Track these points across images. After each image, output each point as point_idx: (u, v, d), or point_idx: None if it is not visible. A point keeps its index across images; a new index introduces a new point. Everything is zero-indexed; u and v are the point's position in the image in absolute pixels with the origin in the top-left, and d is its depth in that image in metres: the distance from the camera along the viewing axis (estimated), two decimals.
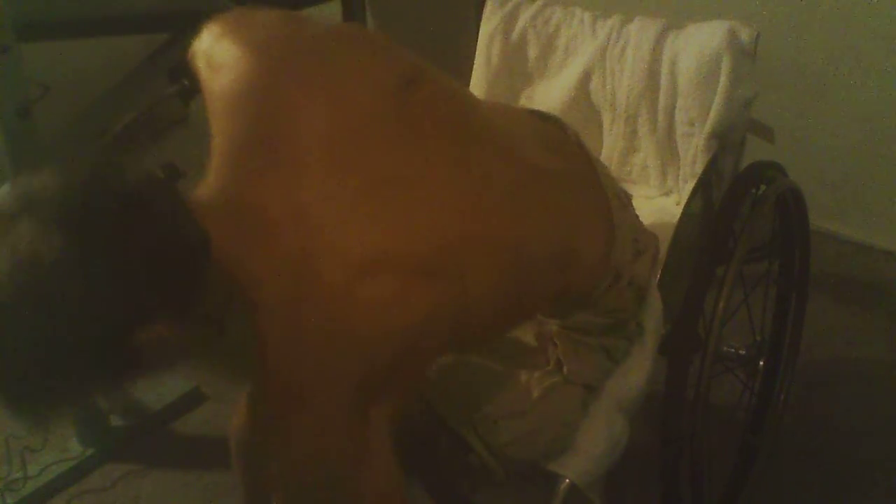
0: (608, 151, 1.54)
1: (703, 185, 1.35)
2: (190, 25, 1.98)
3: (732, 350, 1.34)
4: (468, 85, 1.62)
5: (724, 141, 1.38)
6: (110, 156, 0.82)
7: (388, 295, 0.79)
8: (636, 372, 1.17)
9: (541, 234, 0.96)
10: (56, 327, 0.70)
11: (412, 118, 0.89)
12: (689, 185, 1.36)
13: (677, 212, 1.32)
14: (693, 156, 1.40)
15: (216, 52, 0.93)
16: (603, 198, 1.08)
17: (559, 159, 1.05)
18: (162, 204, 0.77)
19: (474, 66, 1.60)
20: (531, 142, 1.05)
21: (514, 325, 1.06)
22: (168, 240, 0.75)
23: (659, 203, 1.48)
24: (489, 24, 1.57)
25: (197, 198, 0.83)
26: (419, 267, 0.82)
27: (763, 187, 1.34)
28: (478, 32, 1.59)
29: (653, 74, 1.44)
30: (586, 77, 1.51)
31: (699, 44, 1.38)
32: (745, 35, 1.37)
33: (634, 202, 1.51)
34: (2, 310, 0.70)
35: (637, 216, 1.17)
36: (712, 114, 1.36)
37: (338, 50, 0.93)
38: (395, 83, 0.90)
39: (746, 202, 1.30)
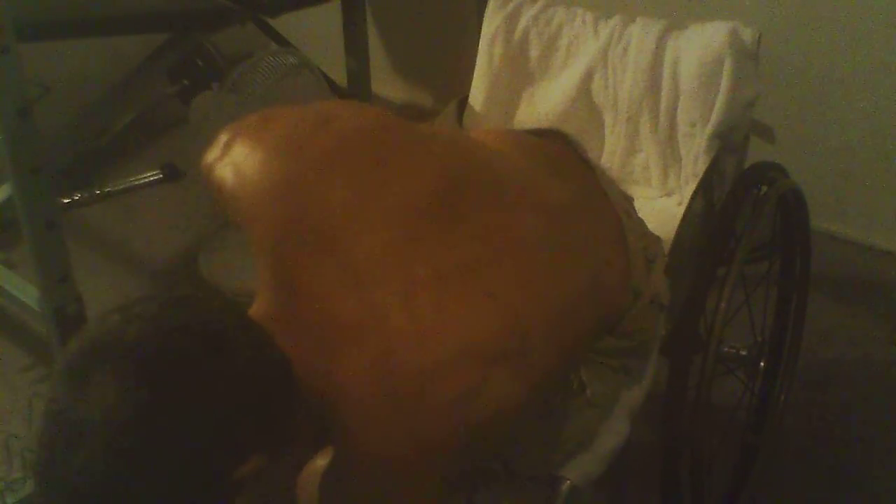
0: (610, 152, 1.54)
1: (705, 186, 1.35)
2: (190, 25, 1.99)
3: (734, 351, 1.34)
4: (467, 86, 1.62)
5: (726, 141, 1.38)
6: (178, 298, 0.78)
7: (471, 385, 0.78)
8: (643, 378, 1.16)
9: (576, 277, 0.94)
10: (155, 485, 0.68)
11: (455, 204, 0.88)
12: (691, 186, 1.36)
13: (679, 212, 1.32)
14: (695, 156, 1.40)
15: (244, 162, 0.87)
16: (612, 214, 1.07)
17: (569, 184, 1.04)
18: (241, 337, 0.75)
19: (476, 67, 1.60)
20: (544, 175, 1.03)
21: (569, 373, 1.04)
22: (254, 373, 0.74)
23: (661, 204, 1.48)
24: (491, 24, 1.57)
25: (262, 319, 0.80)
26: (491, 356, 0.80)
27: (764, 188, 1.34)
28: (479, 32, 1.59)
29: (655, 75, 1.44)
30: (588, 77, 1.51)
31: (701, 44, 1.38)
32: (747, 36, 1.37)
33: (636, 203, 1.52)
34: (98, 476, 0.67)
35: (641, 220, 1.16)
36: (714, 114, 1.36)
37: (375, 145, 0.90)
38: (440, 183, 0.88)
39: (748, 203, 1.30)
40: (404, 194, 0.85)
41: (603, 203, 1.09)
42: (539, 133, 1.17)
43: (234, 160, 0.87)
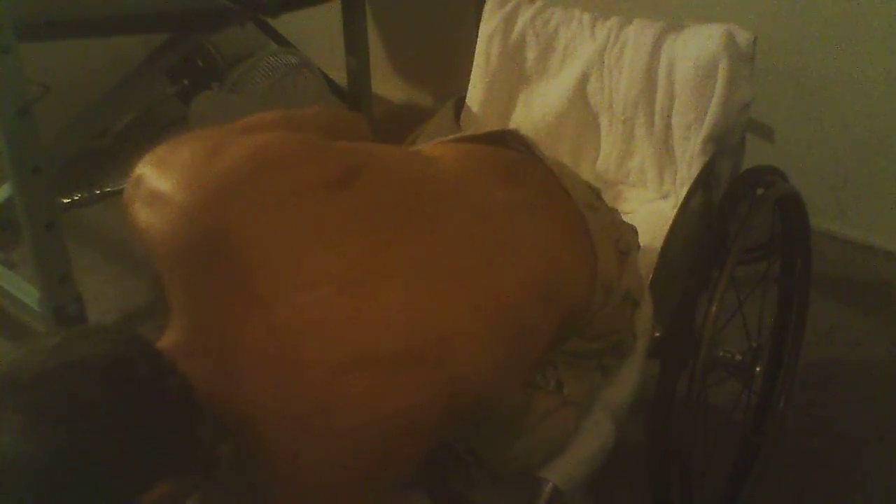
0: (606, 154, 1.54)
1: (700, 188, 1.35)
2: (190, 25, 1.99)
3: (729, 355, 1.33)
4: (467, 86, 1.62)
5: (721, 144, 1.38)
6: (81, 330, 0.82)
7: (370, 389, 0.78)
8: (628, 379, 1.16)
9: (523, 278, 0.92)
10: None
11: (361, 209, 0.86)
12: (686, 189, 1.36)
13: (673, 214, 1.32)
14: (690, 159, 1.40)
15: (148, 197, 0.88)
16: (572, 211, 1.06)
17: (519, 187, 1.03)
18: (141, 367, 0.76)
19: (473, 67, 1.60)
20: (491, 179, 1.02)
21: (524, 374, 1.02)
22: (152, 404, 0.75)
23: (656, 206, 1.48)
24: (488, 24, 1.57)
25: (171, 347, 0.81)
26: (398, 360, 0.79)
27: (761, 191, 1.33)
28: (477, 32, 1.59)
29: (650, 77, 1.44)
30: (584, 79, 1.51)
31: (697, 47, 1.38)
32: (742, 38, 1.37)
33: (632, 205, 1.52)
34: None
35: (612, 210, 1.15)
36: (709, 117, 1.36)
37: (266, 162, 0.88)
38: (331, 179, 0.87)
39: (743, 205, 1.30)
40: (302, 206, 0.85)
41: (560, 201, 1.07)
42: (496, 138, 1.15)
43: (140, 195, 0.88)
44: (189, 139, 0.92)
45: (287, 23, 2.19)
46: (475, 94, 1.60)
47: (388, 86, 2.75)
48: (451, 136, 1.18)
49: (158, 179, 0.87)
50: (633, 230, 1.17)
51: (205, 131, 0.93)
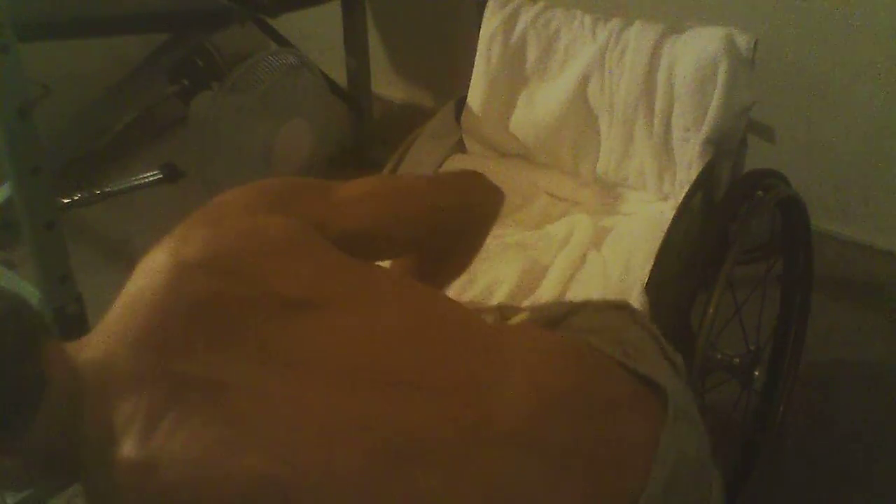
0: (606, 155, 1.54)
1: (699, 190, 1.35)
2: (190, 25, 1.99)
3: (726, 358, 1.33)
4: (467, 86, 1.62)
5: (720, 147, 1.38)
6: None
7: None
8: None
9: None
10: None
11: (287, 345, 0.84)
12: (685, 191, 1.36)
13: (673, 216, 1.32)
14: (689, 162, 1.40)
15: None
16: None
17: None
18: (13, 339, 0.80)
19: (474, 67, 1.60)
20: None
21: None
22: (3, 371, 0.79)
23: (656, 208, 1.48)
24: (489, 25, 1.57)
25: (73, 349, 0.84)
26: None
27: (760, 193, 1.33)
28: (478, 33, 1.59)
29: (650, 79, 1.44)
30: (585, 80, 1.51)
31: (697, 49, 1.38)
32: (743, 42, 1.37)
33: (632, 206, 1.52)
34: None
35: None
36: (708, 120, 1.36)
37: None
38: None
39: (743, 207, 1.30)
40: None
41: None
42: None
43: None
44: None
45: (287, 23, 2.19)
46: (476, 95, 1.60)
47: (388, 86, 2.75)
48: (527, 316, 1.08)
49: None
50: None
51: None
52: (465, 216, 1.04)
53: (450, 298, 0.96)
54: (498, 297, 1.28)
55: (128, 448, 0.77)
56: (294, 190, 0.98)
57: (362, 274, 0.91)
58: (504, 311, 1.09)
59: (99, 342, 0.83)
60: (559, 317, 1.00)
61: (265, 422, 0.78)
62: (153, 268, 0.86)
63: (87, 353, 0.83)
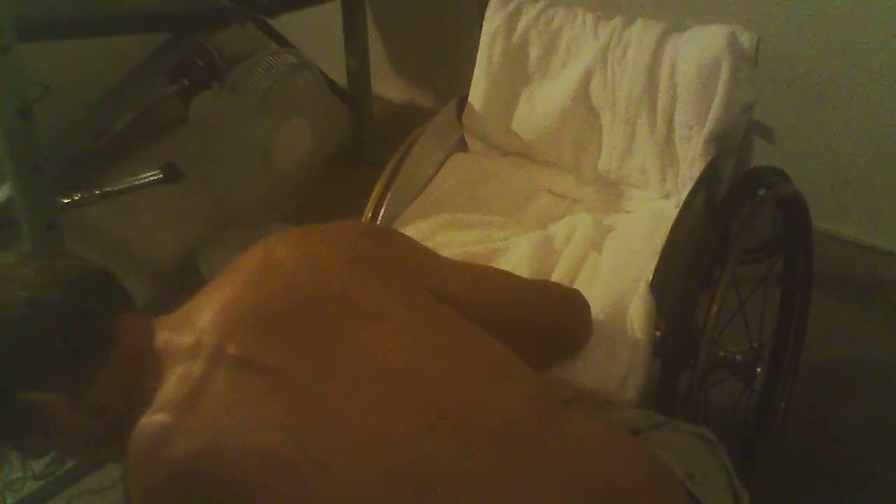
0: (608, 153, 1.54)
1: (702, 188, 1.35)
2: (190, 25, 1.99)
3: (729, 355, 1.33)
4: (467, 85, 1.62)
5: (723, 145, 1.38)
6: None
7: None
8: (633, 378, 1.16)
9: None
10: None
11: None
12: (688, 189, 1.36)
13: (675, 214, 1.32)
14: (691, 159, 1.40)
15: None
16: None
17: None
18: (91, 299, 0.90)
19: (476, 66, 1.60)
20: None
21: None
22: (77, 323, 0.88)
23: (658, 206, 1.48)
24: (491, 23, 1.57)
25: (150, 322, 0.93)
26: None
27: (763, 191, 1.33)
28: (480, 32, 1.59)
29: (653, 77, 1.44)
30: (587, 78, 1.51)
31: (699, 48, 1.38)
32: (745, 40, 1.37)
33: (634, 204, 1.52)
34: None
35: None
36: (710, 118, 1.36)
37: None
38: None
39: (745, 205, 1.30)
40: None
41: None
42: None
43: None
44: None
45: (287, 23, 2.19)
46: (477, 93, 1.60)
47: (388, 86, 2.75)
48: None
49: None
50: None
51: None
52: (553, 334, 1.12)
53: (521, 362, 0.97)
54: None
55: (168, 410, 0.84)
56: (409, 244, 1.06)
57: (440, 311, 0.96)
58: (584, 396, 1.10)
59: (174, 319, 0.92)
60: (641, 427, 1.02)
61: (300, 413, 0.84)
62: (244, 259, 0.97)
63: (161, 327, 0.91)
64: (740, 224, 1.27)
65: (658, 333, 1.20)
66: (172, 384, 0.86)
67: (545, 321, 1.10)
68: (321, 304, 0.91)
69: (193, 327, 0.89)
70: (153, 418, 0.84)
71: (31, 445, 0.93)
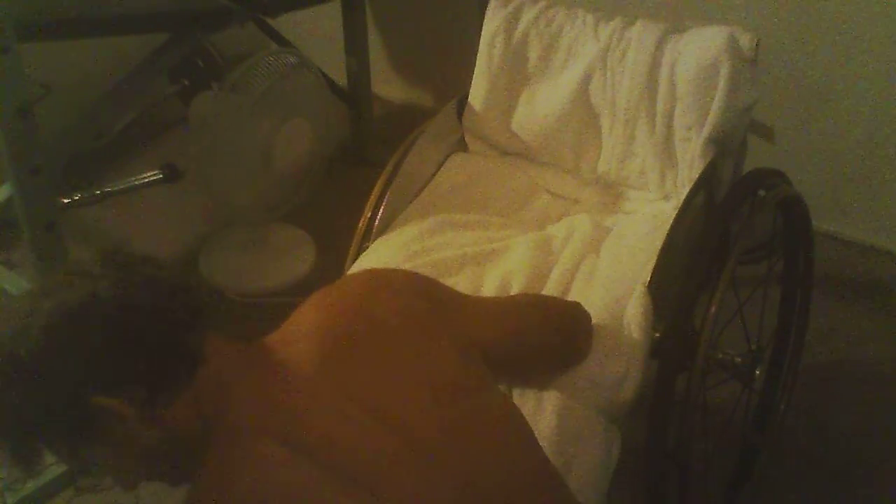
0: (607, 154, 1.54)
1: (701, 190, 1.35)
2: (190, 25, 1.99)
3: (728, 358, 1.33)
4: (467, 86, 1.62)
5: (722, 146, 1.38)
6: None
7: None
8: (630, 380, 1.16)
9: None
10: (40, 379, 0.79)
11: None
12: (687, 190, 1.36)
13: (674, 215, 1.32)
14: (691, 161, 1.40)
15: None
16: None
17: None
18: (181, 310, 0.86)
19: (476, 66, 1.60)
20: None
21: None
22: (168, 334, 0.84)
23: (658, 207, 1.48)
24: (491, 23, 1.57)
25: (236, 345, 0.90)
26: None
27: (763, 192, 1.33)
28: (480, 32, 1.59)
29: (652, 78, 1.44)
30: (587, 79, 1.51)
31: (699, 49, 1.38)
32: (745, 41, 1.37)
33: (633, 206, 1.52)
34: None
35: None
36: (710, 119, 1.36)
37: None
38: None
39: (745, 206, 1.30)
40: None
41: None
42: None
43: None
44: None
45: (287, 23, 2.19)
46: (477, 93, 1.60)
47: (388, 86, 2.75)
48: None
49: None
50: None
51: None
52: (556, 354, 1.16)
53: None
54: None
55: (244, 442, 0.82)
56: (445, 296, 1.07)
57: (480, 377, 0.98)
58: None
59: (258, 349, 0.90)
60: None
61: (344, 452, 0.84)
62: (311, 302, 0.97)
63: (247, 353, 0.89)
64: (739, 225, 1.27)
65: (656, 335, 1.20)
66: (247, 414, 0.84)
67: (548, 345, 1.14)
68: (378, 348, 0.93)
69: (273, 361, 0.88)
70: (229, 450, 0.82)
71: (82, 452, 0.86)
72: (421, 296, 1.01)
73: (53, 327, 0.80)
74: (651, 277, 1.23)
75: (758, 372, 1.36)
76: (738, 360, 1.33)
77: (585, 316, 1.18)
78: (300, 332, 0.93)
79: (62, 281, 0.83)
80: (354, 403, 0.87)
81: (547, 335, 1.13)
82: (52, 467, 1.69)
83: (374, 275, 1.09)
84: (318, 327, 0.93)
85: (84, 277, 0.83)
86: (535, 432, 1.01)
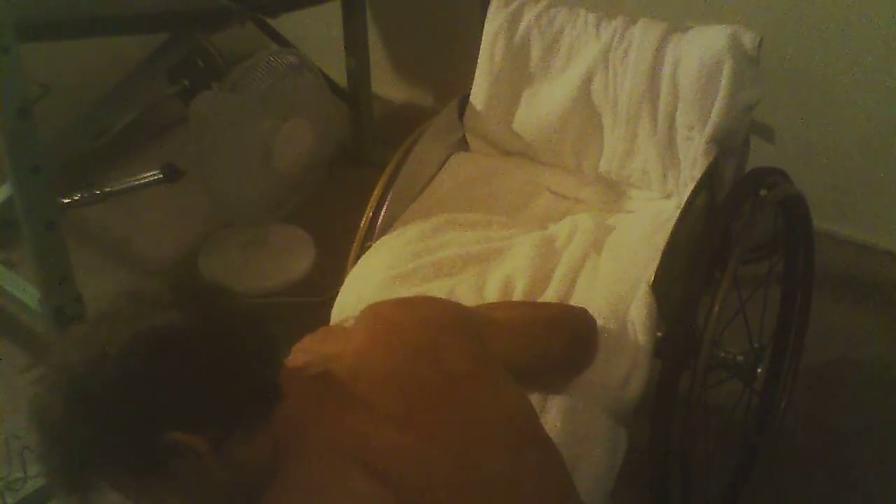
0: (609, 153, 1.54)
1: (703, 189, 1.35)
2: (190, 25, 1.99)
3: (730, 356, 1.33)
4: (467, 85, 1.62)
5: (725, 145, 1.38)
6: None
7: None
8: (634, 378, 1.16)
9: None
10: (114, 408, 0.77)
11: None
12: (689, 189, 1.36)
13: (677, 215, 1.32)
14: (693, 159, 1.40)
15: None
16: None
17: None
18: (255, 342, 0.82)
19: (477, 66, 1.60)
20: None
21: None
22: (245, 366, 0.81)
23: (659, 206, 1.48)
24: (493, 23, 1.57)
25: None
26: None
27: (764, 192, 1.33)
28: (481, 32, 1.59)
29: (654, 77, 1.44)
30: (589, 78, 1.51)
31: (701, 48, 1.38)
32: (747, 40, 1.37)
33: (635, 204, 1.52)
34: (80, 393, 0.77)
35: None
36: (712, 118, 1.36)
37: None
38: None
39: (747, 205, 1.30)
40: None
41: None
42: None
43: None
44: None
45: (287, 23, 2.19)
46: (479, 93, 1.60)
47: (388, 86, 2.75)
48: None
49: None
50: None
51: None
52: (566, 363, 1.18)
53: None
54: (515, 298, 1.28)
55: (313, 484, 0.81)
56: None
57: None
58: None
59: (330, 383, 0.88)
60: None
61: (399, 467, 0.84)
62: (372, 338, 0.97)
63: (319, 389, 0.87)
64: (742, 225, 1.27)
65: (659, 334, 1.21)
66: (327, 448, 0.83)
67: (565, 361, 1.17)
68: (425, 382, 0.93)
69: (347, 398, 0.87)
70: (307, 478, 0.80)
71: (150, 489, 0.82)
72: (470, 335, 1.01)
73: (131, 359, 0.76)
74: (655, 277, 1.23)
75: (759, 370, 1.36)
76: (740, 358, 1.33)
77: (592, 322, 1.20)
78: (370, 373, 0.91)
79: (132, 310, 0.80)
80: (437, 445, 0.86)
81: (567, 353, 1.16)
82: None
83: (427, 319, 1.04)
84: (392, 371, 0.92)
85: (155, 307, 0.80)
86: None
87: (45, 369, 0.79)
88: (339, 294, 1.32)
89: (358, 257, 1.37)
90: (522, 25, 1.55)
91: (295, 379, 0.85)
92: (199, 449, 0.77)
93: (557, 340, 1.15)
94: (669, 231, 1.28)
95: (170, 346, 0.78)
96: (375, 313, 1.03)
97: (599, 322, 1.20)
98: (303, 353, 0.96)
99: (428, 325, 1.00)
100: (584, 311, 1.21)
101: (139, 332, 0.77)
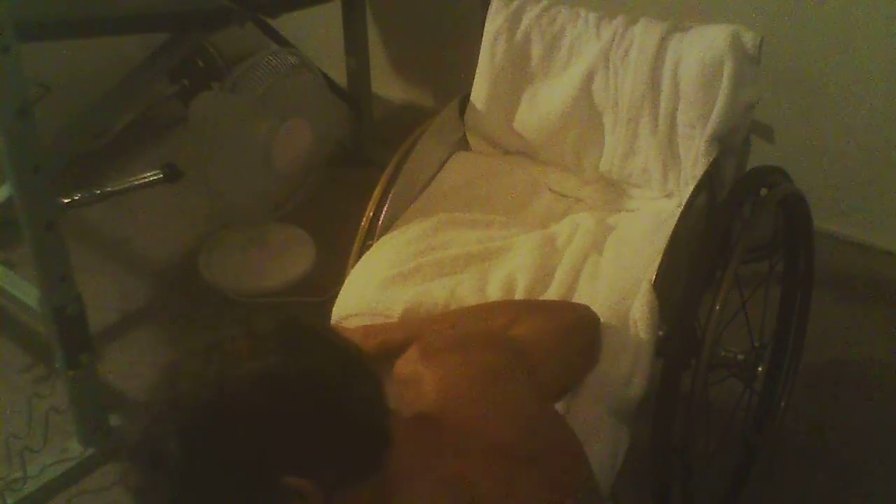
0: (610, 153, 1.54)
1: (704, 188, 1.35)
2: (190, 25, 1.99)
3: (731, 355, 1.33)
4: (467, 85, 1.62)
5: (725, 144, 1.38)
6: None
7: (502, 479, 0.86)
8: (636, 377, 1.16)
9: None
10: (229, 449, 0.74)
11: None
12: (690, 188, 1.36)
13: (678, 214, 1.32)
14: (694, 159, 1.40)
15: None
16: None
17: None
18: (370, 383, 0.82)
19: (478, 65, 1.59)
20: None
21: None
22: (361, 410, 0.80)
23: (660, 205, 1.48)
24: (494, 22, 1.57)
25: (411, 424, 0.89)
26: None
27: (764, 191, 1.34)
28: (481, 32, 1.59)
29: (655, 76, 1.44)
30: (589, 78, 1.51)
31: (702, 47, 1.38)
32: (748, 39, 1.37)
33: (636, 203, 1.52)
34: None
35: None
36: (713, 117, 1.36)
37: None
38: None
39: (747, 205, 1.30)
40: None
41: None
42: None
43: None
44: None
45: (287, 23, 2.19)
46: (480, 92, 1.60)
47: (388, 86, 2.75)
48: None
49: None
50: None
51: None
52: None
53: None
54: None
55: None
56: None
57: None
58: None
59: (432, 429, 0.88)
60: None
61: None
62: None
63: (424, 435, 0.87)
64: (743, 224, 1.27)
65: (660, 333, 1.21)
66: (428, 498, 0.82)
67: (576, 368, 1.17)
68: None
69: (451, 448, 0.87)
70: None
71: None
72: (523, 370, 1.02)
73: (254, 400, 0.74)
74: (656, 276, 1.23)
75: (760, 369, 1.36)
76: (741, 357, 1.33)
77: (596, 320, 1.20)
78: (455, 420, 0.90)
79: (244, 345, 0.77)
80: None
81: (583, 361, 1.17)
82: (52, 467, 1.69)
83: (487, 367, 1.02)
84: (472, 417, 0.92)
85: (266, 343, 0.78)
86: None
87: (153, 399, 0.77)
88: (340, 294, 1.32)
89: (359, 257, 1.37)
90: (523, 25, 1.55)
91: (401, 425, 0.84)
92: (310, 495, 0.75)
93: (578, 355, 1.16)
94: (670, 230, 1.28)
95: (291, 388, 0.76)
96: (433, 350, 1.03)
97: (602, 321, 1.20)
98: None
99: (486, 373, 0.99)
100: (587, 309, 1.20)
101: (259, 372, 0.75)
